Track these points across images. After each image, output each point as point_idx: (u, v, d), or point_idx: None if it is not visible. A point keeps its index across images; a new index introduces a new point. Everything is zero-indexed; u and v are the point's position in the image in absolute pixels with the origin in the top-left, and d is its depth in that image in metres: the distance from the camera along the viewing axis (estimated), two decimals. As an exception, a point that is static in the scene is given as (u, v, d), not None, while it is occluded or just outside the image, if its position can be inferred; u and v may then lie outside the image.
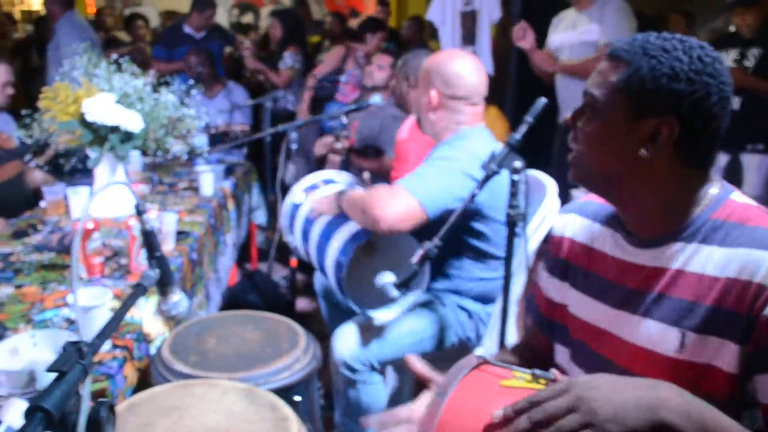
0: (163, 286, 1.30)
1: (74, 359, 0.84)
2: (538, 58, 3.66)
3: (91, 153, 2.61)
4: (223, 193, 3.23)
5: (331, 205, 2.21)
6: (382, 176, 3.06)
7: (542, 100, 1.67)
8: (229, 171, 3.55)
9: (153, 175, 3.45)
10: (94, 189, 2.71)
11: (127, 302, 1.06)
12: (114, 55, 2.70)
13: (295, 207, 2.44)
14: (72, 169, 2.81)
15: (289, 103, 4.76)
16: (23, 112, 2.59)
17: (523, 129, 1.67)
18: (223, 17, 7.70)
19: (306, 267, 3.37)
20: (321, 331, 2.56)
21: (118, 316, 1.03)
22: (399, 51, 4.18)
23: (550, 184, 2.19)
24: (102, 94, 2.54)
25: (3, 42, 7.01)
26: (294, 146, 2.88)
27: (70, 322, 1.71)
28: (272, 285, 3.15)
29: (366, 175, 3.05)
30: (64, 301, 1.86)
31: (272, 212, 3.87)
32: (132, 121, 2.53)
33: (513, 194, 1.63)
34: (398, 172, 2.79)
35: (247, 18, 8.74)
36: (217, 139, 4.13)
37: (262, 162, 3.84)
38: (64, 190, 2.80)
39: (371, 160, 3.17)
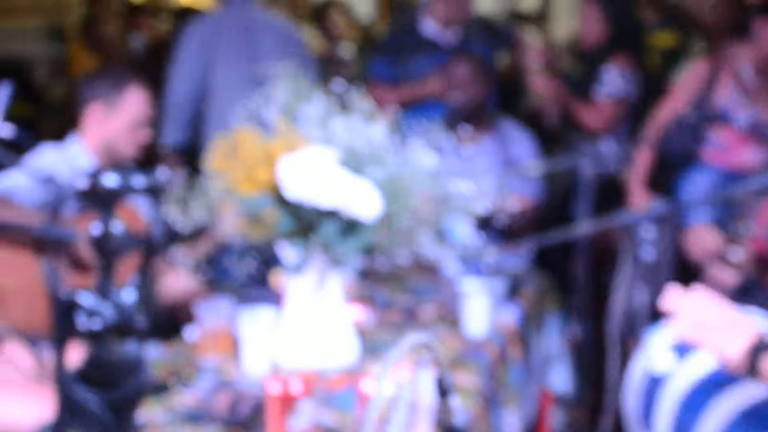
0: None
1: None
2: None
3: (288, 251, 2.75)
4: (503, 332, 3.25)
5: (742, 367, 2.11)
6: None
7: None
8: (512, 290, 3.58)
9: (376, 290, 3.57)
10: (286, 312, 2.84)
11: None
12: (338, 83, 2.83)
13: (655, 382, 2.37)
14: (247, 275, 2.97)
15: (611, 159, 4.71)
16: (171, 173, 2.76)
17: None
18: (486, 2, 7.92)
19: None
20: None
21: None
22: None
23: None
24: (313, 149, 2.67)
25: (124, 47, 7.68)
26: (649, 255, 2.82)
27: None
28: None
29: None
30: None
31: (584, 371, 3.84)
32: (363, 201, 2.64)
33: None
34: None
35: (530, 3, 8.94)
36: (481, 226, 4.12)
37: (562, 272, 3.82)
38: (232, 310, 2.94)
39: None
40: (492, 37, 5.91)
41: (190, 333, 3.08)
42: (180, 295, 3.40)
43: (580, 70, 5.40)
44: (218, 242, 3.31)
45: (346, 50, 6.94)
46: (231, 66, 5.33)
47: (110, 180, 1.65)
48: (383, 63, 5.62)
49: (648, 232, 2.84)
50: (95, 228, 1.63)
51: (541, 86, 5.45)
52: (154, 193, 1.69)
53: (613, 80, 5.13)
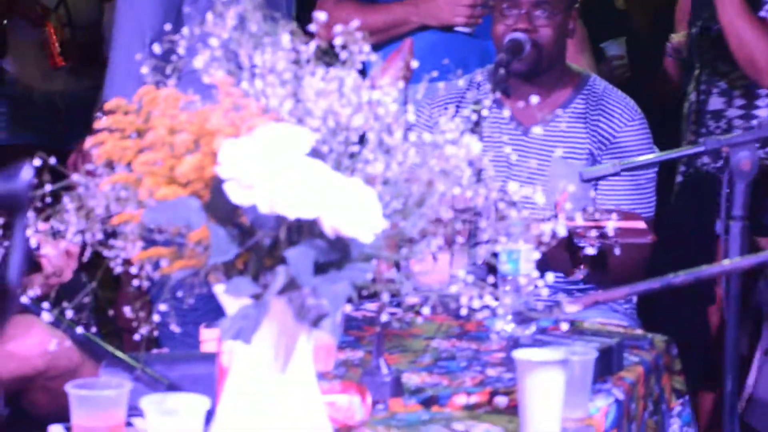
0: None
1: None
2: None
3: (228, 297, 2.01)
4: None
5: None
6: None
7: None
8: (606, 366, 2.98)
9: (375, 360, 2.90)
10: (225, 401, 2.11)
11: None
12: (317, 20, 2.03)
13: None
14: (149, 338, 2.27)
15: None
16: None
17: None
18: None
19: None
20: None
21: None
22: None
23: None
24: (276, 126, 2.00)
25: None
26: None
27: None
28: None
29: None
30: None
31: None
32: (357, 211, 1.96)
33: None
34: None
35: None
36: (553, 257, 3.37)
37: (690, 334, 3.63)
38: (131, 396, 2.36)
39: None
40: None
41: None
42: (31, 368, 2.75)
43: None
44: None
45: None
46: None
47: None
48: None
49: None
50: None
51: None
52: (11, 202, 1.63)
53: None
